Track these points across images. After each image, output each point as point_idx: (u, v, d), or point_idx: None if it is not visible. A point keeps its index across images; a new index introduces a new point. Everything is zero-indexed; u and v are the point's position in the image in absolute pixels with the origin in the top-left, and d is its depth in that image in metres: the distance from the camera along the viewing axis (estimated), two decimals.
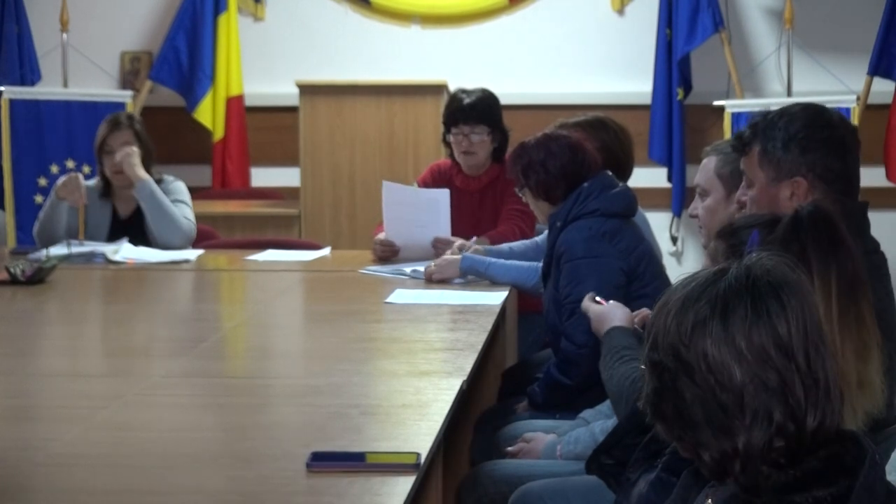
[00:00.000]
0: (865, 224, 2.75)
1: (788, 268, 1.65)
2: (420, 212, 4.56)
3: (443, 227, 4.48)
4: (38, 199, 6.13)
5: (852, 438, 1.60)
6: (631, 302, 3.57)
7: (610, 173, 3.75)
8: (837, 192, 2.69)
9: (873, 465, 1.57)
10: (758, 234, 2.13)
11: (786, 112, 2.77)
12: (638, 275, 3.58)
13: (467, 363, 2.98)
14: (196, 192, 5.67)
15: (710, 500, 1.65)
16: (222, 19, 6.78)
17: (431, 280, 4.13)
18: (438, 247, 4.42)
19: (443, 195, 4.51)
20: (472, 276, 4.14)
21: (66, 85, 6.68)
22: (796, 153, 2.71)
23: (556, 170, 3.68)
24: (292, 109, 6.30)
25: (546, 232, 3.91)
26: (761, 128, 2.76)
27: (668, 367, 1.61)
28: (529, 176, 3.72)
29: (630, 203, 3.71)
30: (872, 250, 2.65)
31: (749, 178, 2.78)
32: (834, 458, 1.57)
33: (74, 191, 4.77)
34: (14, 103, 6.22)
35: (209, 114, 6.77)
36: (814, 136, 2.71)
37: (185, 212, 4.90)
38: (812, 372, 1.57)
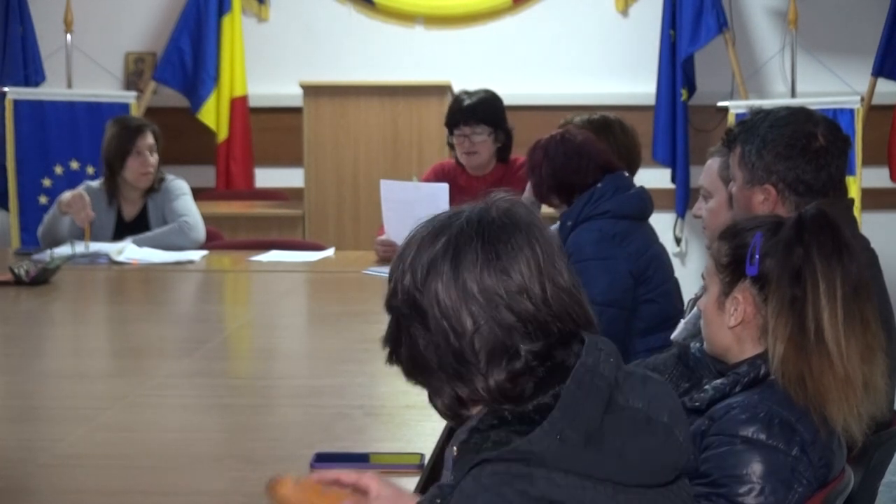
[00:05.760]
0: (852, 222, 2.75)
1: (524, 208, 1.66)
2: (419, 207, 4.54)
3: None
4: (43, 199, 6.13)
5: (582, 341, 1.62)
6: (638, 306, 3.56)
7: (626, 174, 3.75)
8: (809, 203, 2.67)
9: (590, 354, 1.58)
10: (761, 236, 2.13)
11: (770, 116, 2.75)
12: (646, 278, 3.57)
13: None
14: (200, 193, 5.67)
15: (454, 447, 1.65)
16: (226, 20, 6.78)
17: None
18: None
19: (441, 189, 4.52)
20: None
21: (70, 86, 6.69)
22: (769, 160, 2.69)
23: (547, 176, 3.68)
24: (296, 110, 6.30)
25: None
26: (746, 127, 2.76)
27: (404, 313, 1.64)
28: (531, 177, 3.74)
29: (644, 206, 3.69)
30: (862, 248, 2.65)
31: (731, 174, 2.79)
32: (557, 364, 1.60)
33: (80, 211, 4.78)
34: (18, 104, 6.23)
35: (213, 115, 6.77)
36: (789, 145, 2.69)
37: (187, 205, 4.93)
38: (548, 302, 1.59)
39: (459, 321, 1.59)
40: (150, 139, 4.93)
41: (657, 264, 3.63)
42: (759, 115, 2.77)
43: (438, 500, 1.58)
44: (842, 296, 2.04)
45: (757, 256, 2.11)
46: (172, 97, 6.86)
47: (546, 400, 1.57)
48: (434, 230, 1.65)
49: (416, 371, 1.66)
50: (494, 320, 1.58)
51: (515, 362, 1.58)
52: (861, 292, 2.08)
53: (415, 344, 1.63)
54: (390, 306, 1.67)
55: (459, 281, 1.59)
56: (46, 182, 6.22)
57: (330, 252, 4.98)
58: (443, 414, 1.67)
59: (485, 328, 1.58)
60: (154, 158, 4.93)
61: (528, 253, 1.60)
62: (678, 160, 6.57)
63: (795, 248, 2.08)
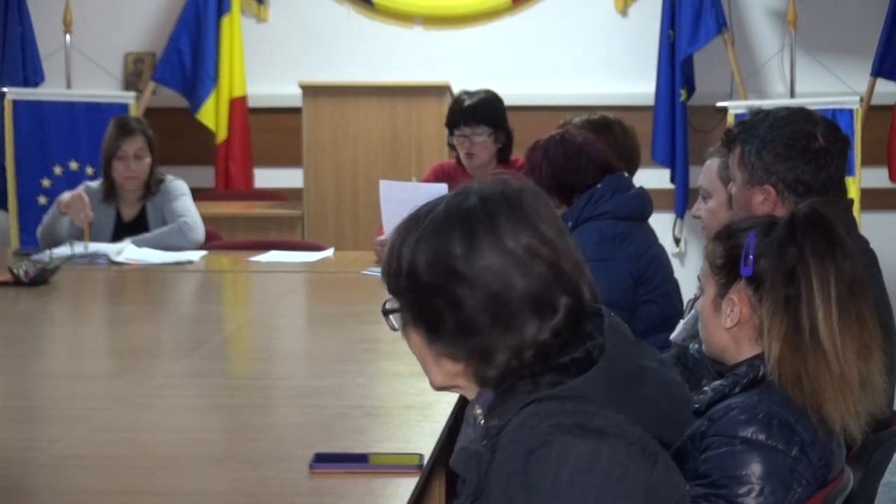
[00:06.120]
0: (852, 222, 2.75)
1: (530, 184, 1.74)
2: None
3: None
4: (42, 200, 6.13)
5: (591, 311, 1.70)
6: (638, 307, 3.56)
7: (626, 174, 3.75)
8: None
9: (609, 317, 1.69)
10: (754, 237, 2.13)
11: (769, 116, 2.75)
12: (646, 279, 3.57)
13: None
14: (199, 194, 5.67)
15: (478, 409, 1.69)
16: (225, 20, 6.78)
17: None
18: None
19: (441, 189, 4.50)
20: None
21: (69, 86, 6.69)
22: (768, 160, 2.69)
23: (547, 176, 3.68)
24: (295, 110, 6.30)
25: None
26: (745, 128, 2.76)
27: (439, 284, 1.64)
28: (531, 178, 3.74)
29: (643, 206, 3.69)
30: (862, 249, 2.65)
31: (731, 174, 2.79)
32: (577, 329, 1.66)
33: (80, 211, 4.78)
34: (17, 104, 6.22)
35: (212, 115, 6.77)
36: (789, 145, 2.69)
37: (187, 205, 4.93)
38: (569, 251, 1.67)
39: (503, 278, 1.62)
40: (137, 143, 4.90)
41: (657, 265, 3.63)
42: (758, 115, 2.77)
43: (485, 442, 1.60)
44: (836, 294, 2.04)
45: (751, 257, 2.11)
46: (171, 97, 6.86)
47: (579, 355, 1.62)
48: (445, 212, 1.70)
49: (462, 339, 1.65)
50: (535, 274, 1.63)
51: (555, 316, 1.63)
52: (856, 290, 2.07)
53: (460, 309, 1.64)
54: (417, 286, 1.68)
55: (500, 241, 1.63)
56: (45, 182, 6.22)
57: (329, 252, 4.98)
58: (496, 378, 1.65)
59: (527, 281, 1.62)
60: (144, 162, 4.90)
61: (548, 217, 1.68)
62: (677, 160, 6.57)
63: (789, 248, 2.08)
